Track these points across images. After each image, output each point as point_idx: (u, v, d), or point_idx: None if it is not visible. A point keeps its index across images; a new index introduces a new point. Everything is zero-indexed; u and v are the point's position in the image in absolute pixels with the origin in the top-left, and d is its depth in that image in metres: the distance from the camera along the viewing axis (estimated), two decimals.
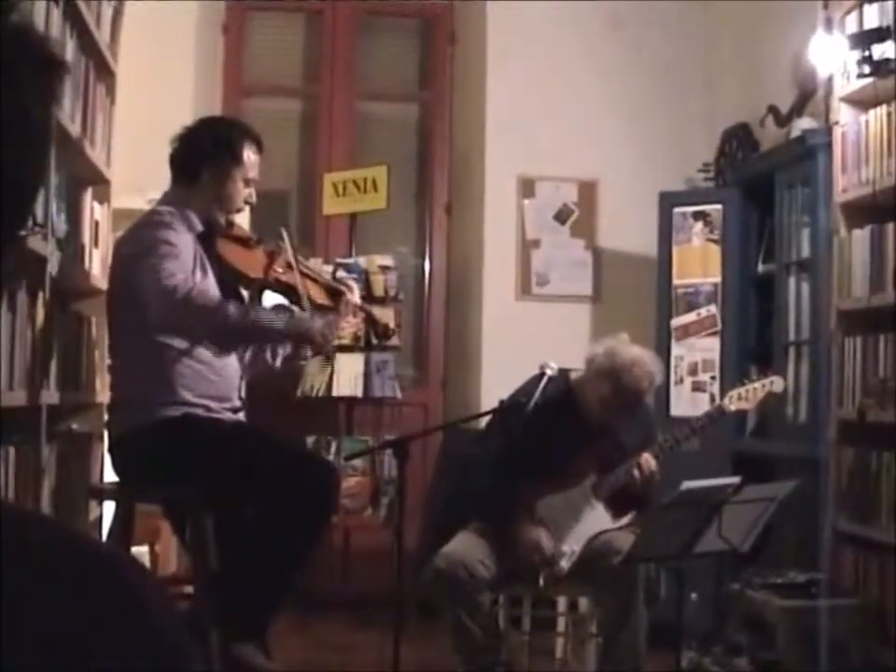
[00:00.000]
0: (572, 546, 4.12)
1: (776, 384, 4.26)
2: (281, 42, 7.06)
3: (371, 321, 4.27)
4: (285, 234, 4.00)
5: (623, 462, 4.13)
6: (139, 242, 3.78)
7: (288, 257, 3.97)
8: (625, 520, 4.18)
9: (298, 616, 5.29)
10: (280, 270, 3.95)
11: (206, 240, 3.90)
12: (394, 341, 5.65)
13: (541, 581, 4.09)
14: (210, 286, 3.79)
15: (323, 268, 5.61)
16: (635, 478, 4.09)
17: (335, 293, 4.05)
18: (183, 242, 3.77)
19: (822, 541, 4.61)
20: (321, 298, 4.03)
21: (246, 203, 4.00)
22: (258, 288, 4.01)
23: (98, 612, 0.72)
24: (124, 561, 0.77)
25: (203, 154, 3.91)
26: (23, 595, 0.69)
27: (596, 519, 4.16)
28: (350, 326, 4.20)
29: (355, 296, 4.07)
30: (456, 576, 3.96)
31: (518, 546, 4.09)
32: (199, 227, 3.89)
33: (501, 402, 4.28)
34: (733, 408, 4.21)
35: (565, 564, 4.10)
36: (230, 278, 3.89)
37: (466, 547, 4.06)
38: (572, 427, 4.17)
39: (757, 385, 4.22)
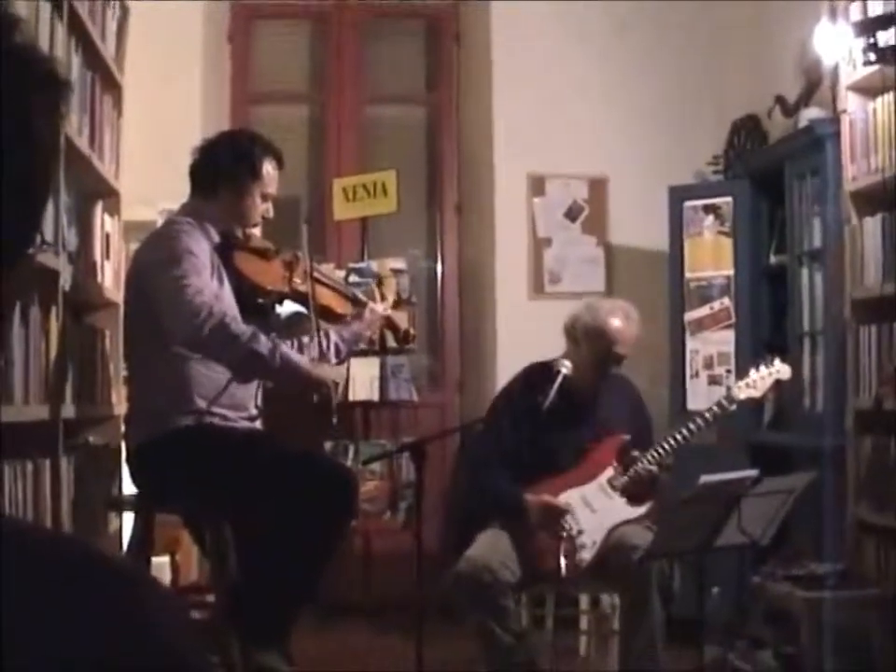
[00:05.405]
0: (592, 537, 4.11)
1: (781, 371, 4.36)
2: (287, 49, 7.07)
3: (392, 327, 4.27)
4: (304, 235, 4.01)
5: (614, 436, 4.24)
6: (159, 251, 3.78)
7: (306, 266, 3.97)
8: (643, 509, 4.18)
9: (318, 621, 5.29)
10: (298, 280, 3.95)
11: (223, 250, 3.91)
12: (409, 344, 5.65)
13: (563, 570, 4.06)
14: (226, 296, 3.80)
15: (336, 273, 5.61)
16: (652, 472, 4.13)
17: (357, 303, 4.07)
18: (201, 251, 3.78)
19: (843, 532, 4.60)
20: (342, 308, 4.04)
21: (263, 217, 4.00)
22: (276, 299, 4.01)
23: (113, 632, 0.71)
24: (141, 579, 0.77)
25: (221, 168, 3.91)
26: (37, 616, 0.69)
27: (615, 509, 4.17)
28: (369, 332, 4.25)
29: (379, 306, 4.09)
30: (480, 580, 3.93)
31: (541, 516, 4.09)
32: (216, 239, 3.90)
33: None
34: (742, 396, 4.27)
35: (586, 555, 4.10)
36: (247, 290, 3.89)
37: (488, 549, 4.04)
38: (574, 416, 4.21)
39: (763, 373, 4.32)
